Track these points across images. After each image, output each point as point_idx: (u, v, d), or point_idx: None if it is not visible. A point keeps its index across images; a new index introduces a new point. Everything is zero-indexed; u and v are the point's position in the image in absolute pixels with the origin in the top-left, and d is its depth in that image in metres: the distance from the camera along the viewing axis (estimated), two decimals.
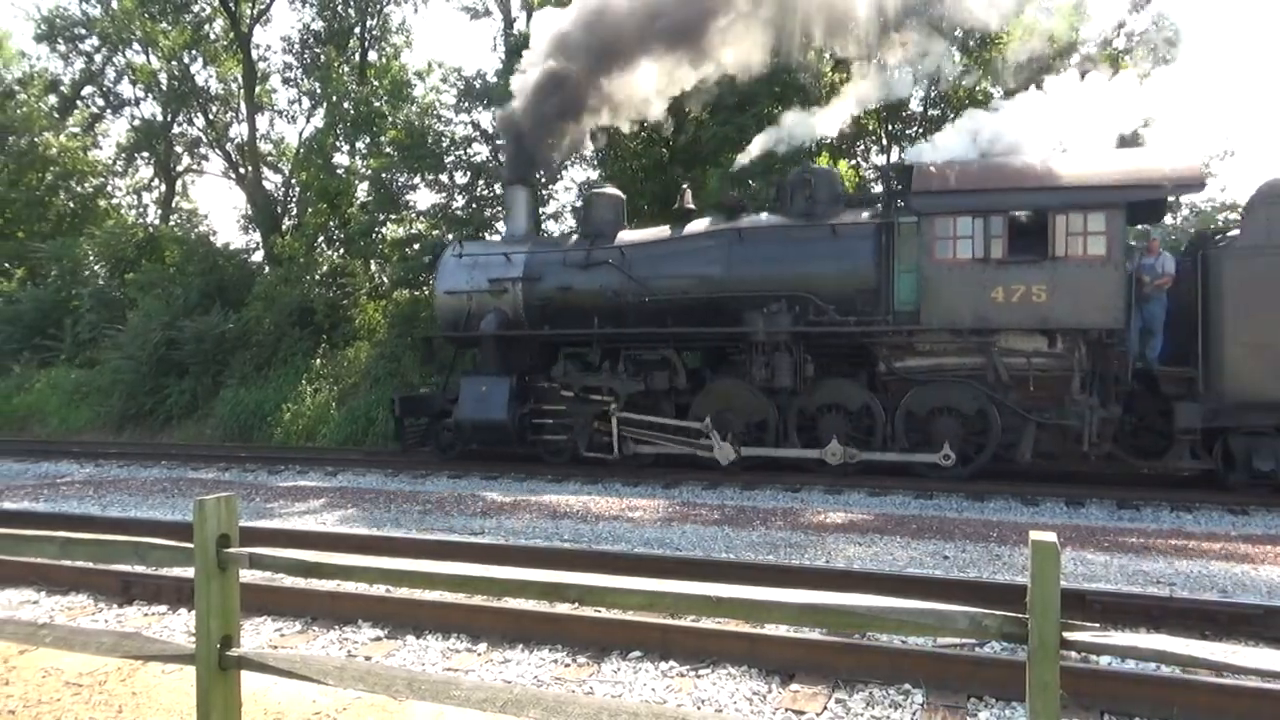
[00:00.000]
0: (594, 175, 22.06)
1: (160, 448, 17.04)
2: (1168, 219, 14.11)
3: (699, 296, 12.11)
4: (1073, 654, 2.54)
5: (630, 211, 15.08)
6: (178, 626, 5.75)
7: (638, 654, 4.97)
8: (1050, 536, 2.47)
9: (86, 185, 33.14)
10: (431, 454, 14.02)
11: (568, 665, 4.91)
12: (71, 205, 32.69)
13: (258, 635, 5.51)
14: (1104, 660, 4.55)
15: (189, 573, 3.41)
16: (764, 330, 11.51)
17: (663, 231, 13.08)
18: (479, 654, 5.12)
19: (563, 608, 5.33)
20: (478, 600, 5.62)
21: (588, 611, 5.33)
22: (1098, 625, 2.53)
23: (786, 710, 4.25)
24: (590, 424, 12.74)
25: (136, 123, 33.28)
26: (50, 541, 4.27)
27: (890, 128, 19.14)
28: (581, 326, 12.74)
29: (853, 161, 20.20)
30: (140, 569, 6.40)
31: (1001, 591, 5.70)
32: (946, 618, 2.59)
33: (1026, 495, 10.28)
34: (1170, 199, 10.58)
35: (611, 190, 14.42)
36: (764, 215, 12.51)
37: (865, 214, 11.71)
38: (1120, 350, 10.32)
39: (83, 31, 32.12)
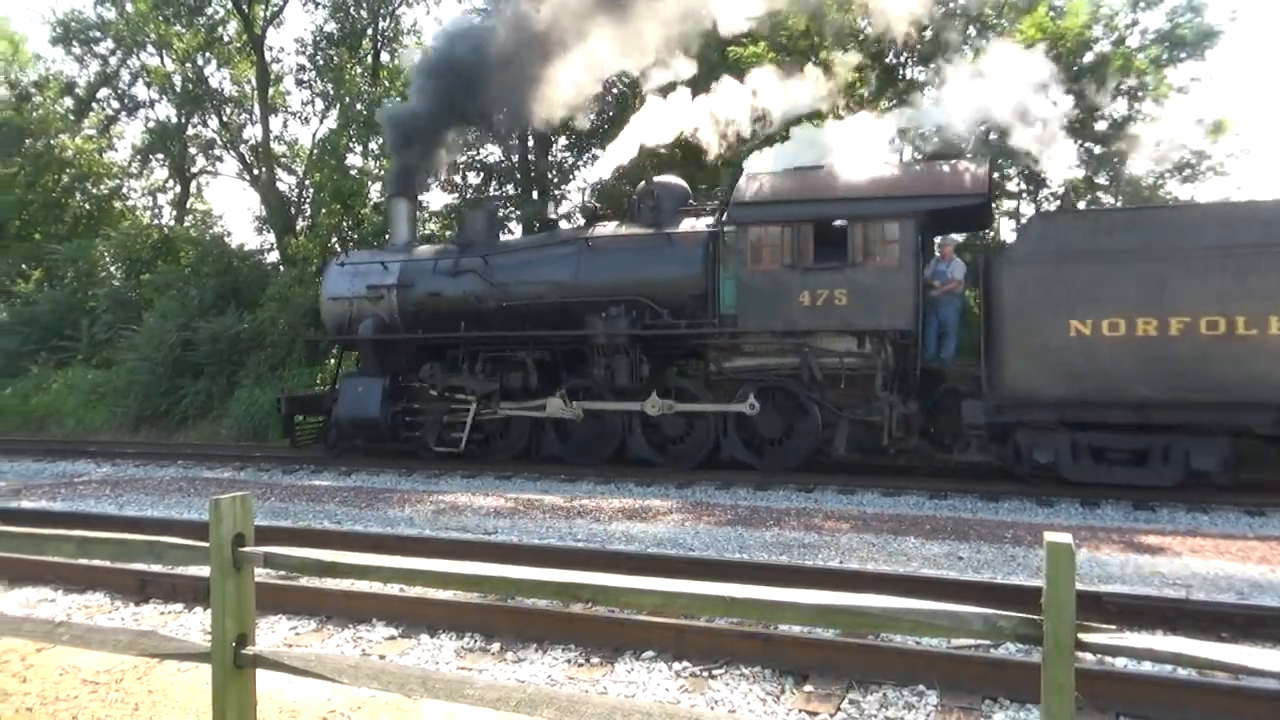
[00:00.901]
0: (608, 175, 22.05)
1: (176, 447, 17.16)
2: None
3: (552, 301, 12.86)
4: (1088, 656, 2.54)
5: None
6: (193, 625, 5.79)
7: (651, 654, 4.97)
8: (1065, 537, 2.46)
9: (102, 187, 33.33)
10: (321, 450, 14.80)
11: (581, 665, 4.91)
12: (87, 207, 32.87)
13: (273, 633, 5.54)
14: (1120, 662, 4.53)
15: (205, 571, 3.44)
16: (603, 333, 12.24)
17: (526, 240, 14.12)
18: (493, 653, 5.13)
19: (576, 607, 5.34)
20: (491, 599, 5.64)
21: (601, 611, 5.33)
22: (1113, 627, 2.52)
23: (800, 711, 4.25)
24: (439, 420, 13.57)
25: (151, 125, 33.43)
26: (68, 540, 4.31)
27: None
28: (450, 330, 13.56)
29: None
30: (157, 568, 6.45)
31: (1016, 593, 5.68)
32: (961, 619, 2.58)
33: (1041, 496, 10.23)
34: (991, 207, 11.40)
35: (484, 203, 15.81)
36: (614, 224, 13.31)
37: (702, 223, 12.39)
38: (913, 350, 11.12)
39: (98, 34, 32.29)
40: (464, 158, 22.72)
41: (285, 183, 30.75)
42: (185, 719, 4.15)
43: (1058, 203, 16.11)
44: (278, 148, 30.94)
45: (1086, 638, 2.41)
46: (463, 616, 5.58)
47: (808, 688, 4.49)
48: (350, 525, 9.20)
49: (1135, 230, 10.11)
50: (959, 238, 11.29)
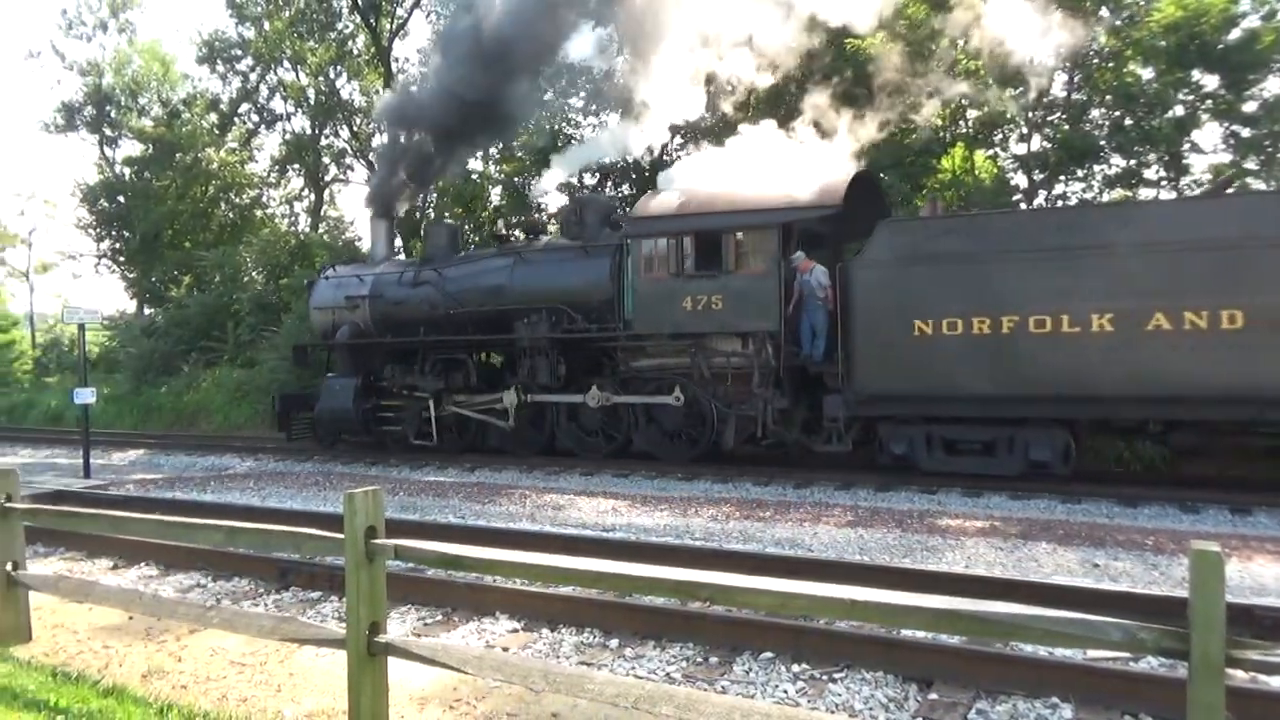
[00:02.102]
0: None
1: (313, 444, 17.99)
2: None
3: (490, 309, 14.28)
4: (1239, 673, 2.39)
5: None
6: (329, 612, 6.08)
7: (769, 655, 4.94)
8: (1213, 546, 2.32)
9: (244, 196, 35.43)
10: (311, 443, 16.38)
11: (699, 664, 4.92)
12: (231, 216, 35.01)
13: (403, 623, 5.76)
14: (1276, 681, 4.23)
15: (340, 561, 3.60)
16: (526, 337, 13.65)
17: (475, 254, 15.79)
18: (611, 649, 5.19)
19: (694, 606, 5.35)
20: (610, 596, 5.70)
21: (719, 610, 5.32)
22: (1268, 643, 2.36)
23: (924, 719, 4.14)
24: (418, 416, 14.89)
25: (288, 136, 35.35)
26: (217, 530, 4.59)
27: (1031, 114, 18.26)
28: (412, 335, 15.08)
29: (990, 152, 19.37)
30: (296, 556, 6.79)
31: (1158, 604, 5.37)
32: (1097, 629, 2.47)
33: (1185, 501, 9.64)
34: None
35: (447, 221, 18.12)
36: (553, 238, 14.83)
37: (617, 237, 13.46)
38: (783, 349, 11.79)
39: (238, 53, 34.37)
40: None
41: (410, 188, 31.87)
42: (323, 701, 4.37)
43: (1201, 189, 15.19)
44: None
45: (1238, 653, 2.27)
46: (582, 612, 5.66)
47: (932, 695, 4.37)
48: (474, 520, 9.47)
49: (969, 235, 10.67)
50: (801, 254, 11.92)
